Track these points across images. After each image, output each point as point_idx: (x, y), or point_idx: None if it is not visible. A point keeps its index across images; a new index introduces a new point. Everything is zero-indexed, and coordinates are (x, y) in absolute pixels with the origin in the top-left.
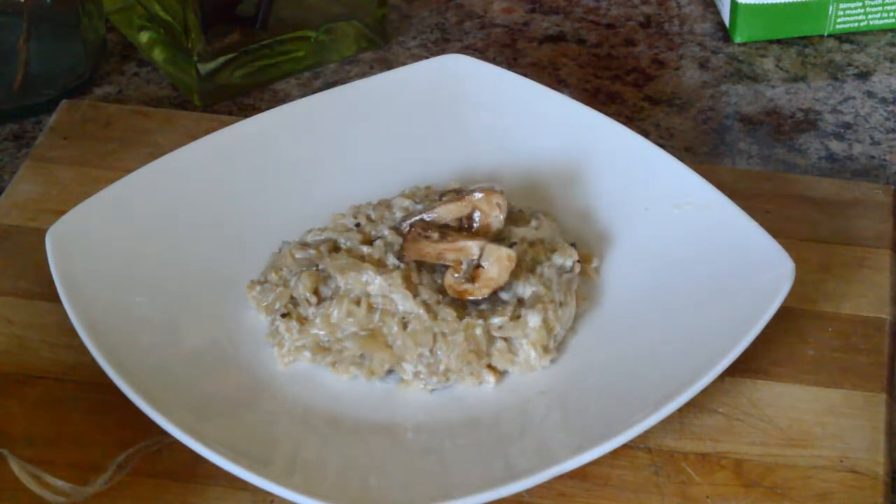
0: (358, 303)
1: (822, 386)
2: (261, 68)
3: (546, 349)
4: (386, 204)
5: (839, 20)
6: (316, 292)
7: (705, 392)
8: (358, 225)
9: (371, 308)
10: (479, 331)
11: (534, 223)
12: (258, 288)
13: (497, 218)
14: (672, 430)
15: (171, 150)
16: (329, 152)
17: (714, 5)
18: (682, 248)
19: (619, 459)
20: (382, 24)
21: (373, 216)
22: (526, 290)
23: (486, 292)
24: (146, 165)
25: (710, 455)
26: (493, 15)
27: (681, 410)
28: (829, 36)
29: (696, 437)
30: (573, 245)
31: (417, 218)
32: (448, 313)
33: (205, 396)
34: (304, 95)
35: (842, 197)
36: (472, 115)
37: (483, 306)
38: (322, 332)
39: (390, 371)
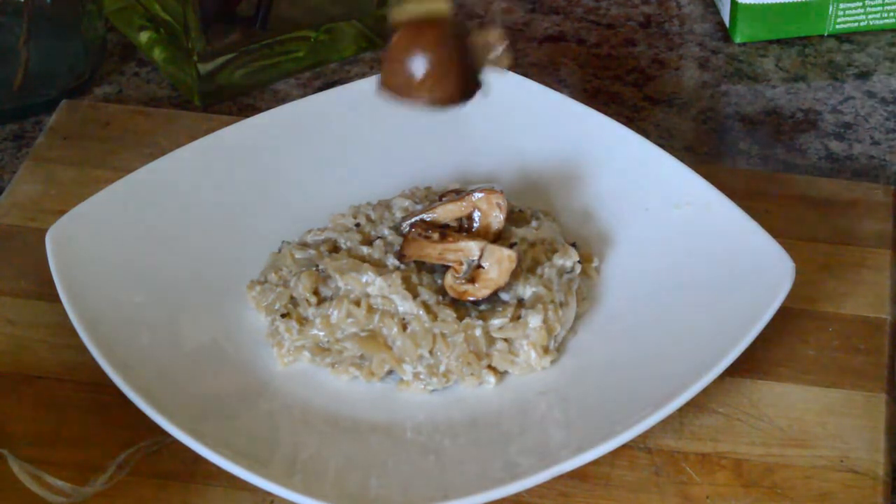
0: (358, 303)
1: (822, 386)
2: (261, 68)
3: (546, 350)
4: (386, 204)
5: (839, 20)
6: (316, 293)
7: (705, 392)
8: (358, 225)
9: (371, 309)
10: (479, 332)
11: (534, 223)
12: (258, 288)
13: (497, 218)
14: (672, 430)
15: (171, 150)
16: (329, 152)
17: (714, 5)
18: (682, 248)
19: (619, 459)
20: (382, 24)
21: (372, 216)
22: (526, 290)
23: (486, 293)
24: (146, 165)
25: (710, 455)
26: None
27: (681, 410)
28: (829, 36)
29: (696, 437)
30: (573, 245)
31: (417, 218)
32: (448, 314)
33: (205, 396)
34: (304, 95)
35: (842, 197)
36: (472, 115)
37: (483, 307)
38: (322, 333)
39: (390, 372)
